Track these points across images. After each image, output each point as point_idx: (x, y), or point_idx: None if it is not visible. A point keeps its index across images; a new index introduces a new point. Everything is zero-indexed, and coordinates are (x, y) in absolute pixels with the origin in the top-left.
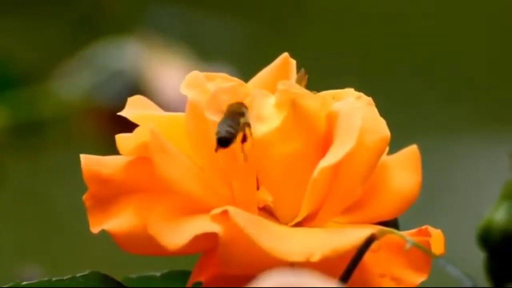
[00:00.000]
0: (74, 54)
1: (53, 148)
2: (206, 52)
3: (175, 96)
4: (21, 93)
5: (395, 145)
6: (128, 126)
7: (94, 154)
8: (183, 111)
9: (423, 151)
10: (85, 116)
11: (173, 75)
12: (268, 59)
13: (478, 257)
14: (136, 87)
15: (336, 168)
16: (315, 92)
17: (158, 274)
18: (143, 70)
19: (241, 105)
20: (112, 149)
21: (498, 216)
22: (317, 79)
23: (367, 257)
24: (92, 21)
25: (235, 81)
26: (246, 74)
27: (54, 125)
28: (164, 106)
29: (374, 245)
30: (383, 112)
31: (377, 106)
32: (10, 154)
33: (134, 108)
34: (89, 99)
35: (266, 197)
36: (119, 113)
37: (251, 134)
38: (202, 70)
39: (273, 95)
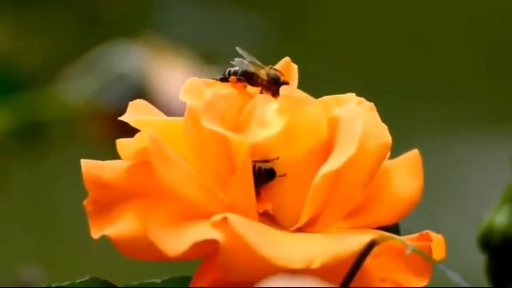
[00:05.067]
0: (78, 58)
1: (57, 151)
2: (213, 56)
3: (179, 100)
4: (25, 96)
5: (394, 147)
6: (132, 129)
7: (98, 157)
8: None
9: (423, 153)
10: (89, 120)
11: (177, 78)
12: (277, 61)
13: (479, 260)
14: (140, 91)
15: (337, 174)
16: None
17: (158, 280)
18: (147, 74)
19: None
20: (116, 153)
21: (499, 219)
22: (318, 80)
23: (368, 261)
24: (96, 24)
25: (234, 87)
26: None
27: (58, 128)
28: (168, 109)
29: (374, 250)
30: (382, 113)
31: (377, 107)
32: (14, 157)
33: (135, 113)
34: (93, 103)
35: (265, 204)
36: (120, 118)
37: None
38: (206, 73)
39: (275, 100)
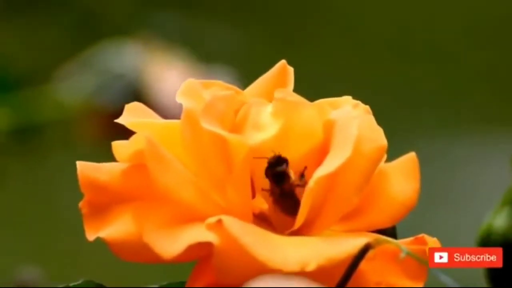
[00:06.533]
0: (75, 57)
1: (53, 150)
2: (207, 57)
3: (175, 99)
4: (21, 96)
5: (393, 148)
6: (128, 129)
7: (94, 157)
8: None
9: (421, 154)
10: (85, 119)
11: (173, 78)
12: (270, 64)
13: None
14: (137, 90)
15: (332, 177)
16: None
17: (156, 286)
18: (143, 73)
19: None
20: (112, 154)
21: (499, 222)
22: (317, 84)
23: (363, 265)
24: (92, 23)
25: (232, 89)
26: (248, 79)
27: (54, 127)
28: (164, 108)
29: (369, 254)
30: (382, 114)
31: (376, 109)
32: (10, 157)
33: (131, 115)
34: (89, 102)
35: (261, 205)
36: (116, 120)
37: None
38: (202, 73)
39: (270, 103)
